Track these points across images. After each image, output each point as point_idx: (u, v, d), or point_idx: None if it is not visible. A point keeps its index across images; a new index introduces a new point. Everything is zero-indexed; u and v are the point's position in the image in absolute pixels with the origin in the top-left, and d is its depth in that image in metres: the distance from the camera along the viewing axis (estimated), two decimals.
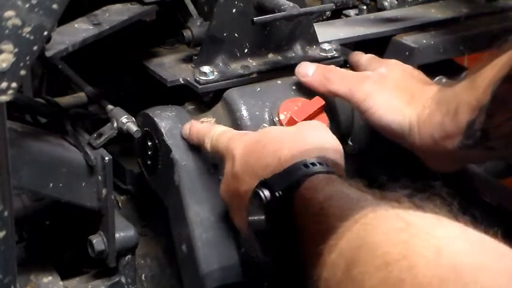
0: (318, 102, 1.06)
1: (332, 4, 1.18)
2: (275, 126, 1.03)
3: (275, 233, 0.83)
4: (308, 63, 1.10)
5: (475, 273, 0.58)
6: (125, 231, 1.09)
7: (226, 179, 0.95)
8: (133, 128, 1.05)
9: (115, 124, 1.06)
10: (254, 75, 1.12)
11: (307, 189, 0.82)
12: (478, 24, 1.31)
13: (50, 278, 1.10)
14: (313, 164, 0.85)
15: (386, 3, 1.35)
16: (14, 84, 0.67)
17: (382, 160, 1.22)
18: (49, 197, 1.06)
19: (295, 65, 1.11)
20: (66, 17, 1.03)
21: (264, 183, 0.85)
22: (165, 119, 1.07)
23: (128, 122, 1.05)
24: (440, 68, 1.25)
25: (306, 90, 1.09)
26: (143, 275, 1.18)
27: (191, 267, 1.02)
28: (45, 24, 0.67)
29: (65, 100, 1.15)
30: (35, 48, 0.68)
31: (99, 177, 1.04)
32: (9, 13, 0.65)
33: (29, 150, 0.97)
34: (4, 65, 0.66)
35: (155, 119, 1.07)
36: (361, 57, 1.17)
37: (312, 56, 1.17)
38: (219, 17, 1.09)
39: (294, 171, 0.85)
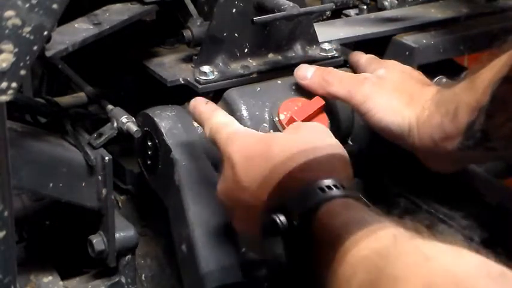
0: (318, 102, 1.06)
1: (332, 4, 1.18)
2: (277, 133, 1.02)
3: (292, 260, 0.83)
4: (307, 65, 1.10)
5: None
6: (125, 231, 1.09)
7: (226, 183, 0.93)
8: (133, 128, 1.05)
9: (115, 124, 1.06)
10: (254, 75, 1.12)
11: (324, 214, 0.80)
12: (478, 24, 1.30)
13: (50, 278, 1.10)
14: (329, 187, 0.83)
15: (386, 3, 1.35)
16: (14, 84, 0.67)
17: (382, 160, 1.22)
18: (49, 197, 1.06)
19: (295, 64, 1.11)
20: (66, 17, 1.03)
21: (279, 209, 0.83)
22: (165, 119, 1.07)
23: (127, 122, 1.05)
24: (440, 68, 1.25)
25: (306, 90, 1.09)
26: (143, 275, 1.18)
27: (191, 267, 1.02)
28: (45, 24, 0.67)
29: (65, 100, 1.15)
30: (35, 48, 0.68)
31: (99, 177, 1.04)
32: (9, 13, 0.65)
33: (29, 150, 0.97)
34: (4, 65, 0.66)
35: (155, 118, 1.07)
36: (361, 58, 1.17)
37: (312, 55, 1.16)
38: (219, 17, 1.09)
39: (309, 195, 0.83)
